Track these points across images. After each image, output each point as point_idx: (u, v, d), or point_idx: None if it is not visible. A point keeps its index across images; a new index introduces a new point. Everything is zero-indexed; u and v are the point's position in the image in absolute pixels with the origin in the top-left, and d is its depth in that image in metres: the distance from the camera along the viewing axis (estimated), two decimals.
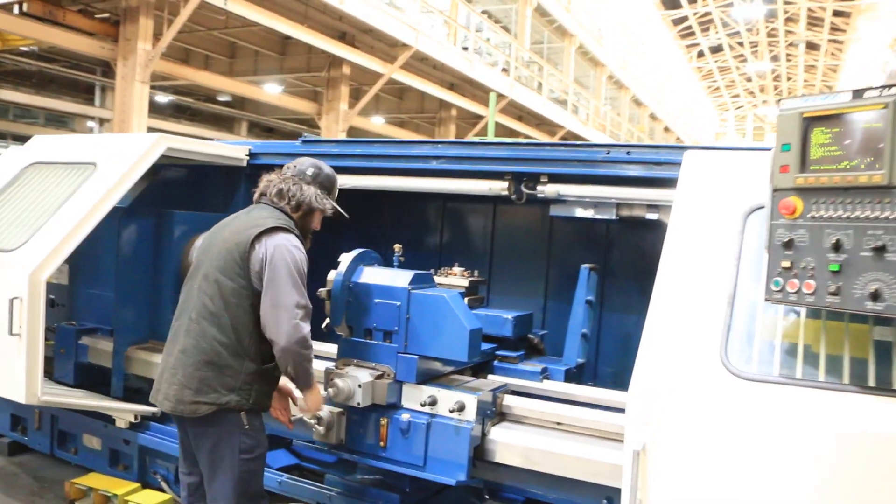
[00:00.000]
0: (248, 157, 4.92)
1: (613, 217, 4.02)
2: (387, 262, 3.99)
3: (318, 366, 4.03)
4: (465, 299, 4.40)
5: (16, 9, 11.82)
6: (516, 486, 3.62)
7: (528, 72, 24.04)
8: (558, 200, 4.15)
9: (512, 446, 3.44)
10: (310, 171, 3.41)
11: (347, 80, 17.74)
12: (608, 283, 4.85)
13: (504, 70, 21.68)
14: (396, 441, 3.50)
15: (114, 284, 4.60)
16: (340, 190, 4.73)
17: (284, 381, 3.49)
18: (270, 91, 19.02)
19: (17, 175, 4.65)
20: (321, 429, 3.51)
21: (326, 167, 3.51)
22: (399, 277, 3.65)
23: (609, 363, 4.91)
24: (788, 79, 44.80)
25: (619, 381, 4.21)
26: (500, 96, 20.80)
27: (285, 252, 3.07)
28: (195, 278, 3.21)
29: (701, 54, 42.14)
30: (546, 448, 3.35)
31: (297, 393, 3.42)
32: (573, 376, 4.23)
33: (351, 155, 4.63)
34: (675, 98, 42.02)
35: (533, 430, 3.55)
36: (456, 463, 3.38)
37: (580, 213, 4.12)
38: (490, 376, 4.10)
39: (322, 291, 3.72)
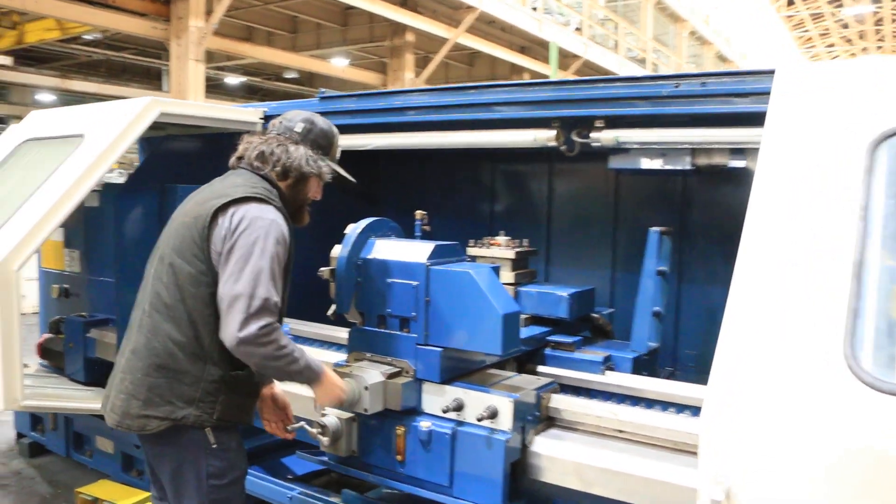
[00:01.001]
0: (263, 121, 4.32)
1: (687, 167, 3.20)
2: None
3: (331, 358, 3.46)
4: (512, 274, 3.72)
5: None
6: None
7: (603, 31, 22.77)
8: (618, 150, 3.34)
9: (559, 461, 2.72)
10: (299, 128, 2.69)
11: (412, 47, 17.13)
12: (687, 248, 4.05)
13: (577, 30, 20.53)
14: (416, 455, 2.83)
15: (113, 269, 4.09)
16: (372, 153, 4.10)
17: (279, 390, 2.88)
18: (336, 64, 18.53)
19: (9, 154, 4.20)
20: (325, 439, 2.88)
21: (321, 121, 2.78)
22: (416, 250, 2.97)
23: (691, 345, 4.13)
24: (893, 20, 41.35)
25: (703, 365, 3.42)
26: (574, 56, 19.82)
27: (254, 227, 2.40)
28: (153, 261, 2.62)
29: (791, 2, 39.38)
30: (601, 464, 2.62)
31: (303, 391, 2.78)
32: (644, 365, 3.47)
33: (374, 110, 3.95)
34: (763, 52, 39.47)
35: (588, 439, 2.82)
36: (489, 483, 2.69)
37: (646, 163, 3.31)
38: (540, 368, 3.39)
39: (324, 271, 3.07)
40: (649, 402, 3.02)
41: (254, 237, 2.37)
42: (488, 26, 17.71)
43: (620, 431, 2.79)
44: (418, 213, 3.36)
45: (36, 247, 3.35)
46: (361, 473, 2.98)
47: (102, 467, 4.33)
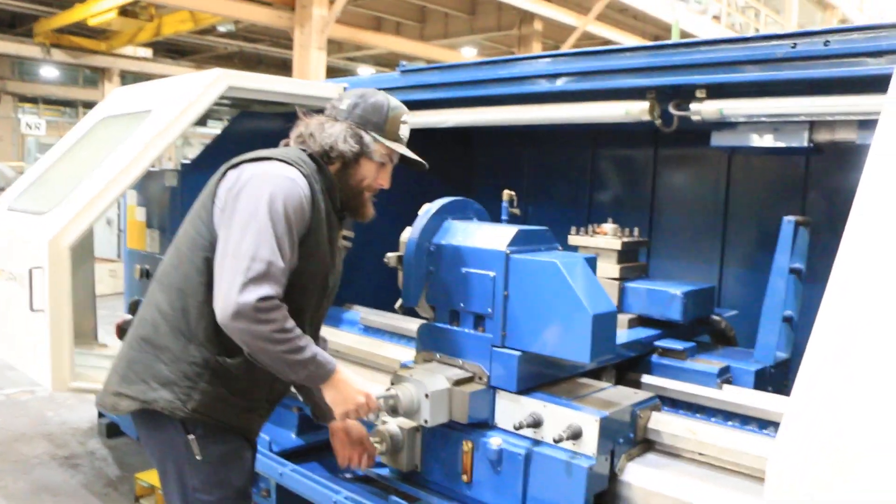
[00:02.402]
0: None
1: (804, 144, 2.64)
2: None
3: (400, 355, 3.07)
4: (618, 267, 3.21)
5: None
6: None
7: (743, 19, 21.35)
8: (723, 124, 2.81)
9: (653, 494, 2.20)
10: (344, 104, 2.26)
11: (540, 36, 16.68)
12: (811, 242, 3.43)
13: (715, 17, 19.34)
14: (485, 475, 2.39)
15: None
16: (466, 135, 3.68)
17: (351, 420, 2.46)
18: (464, 54, 18.33)
19: (87, 131, 4.10)
20: (381, 448, 2.49)
21: (376, 96, 2.29)
22: (495, 236, 2.51)
23: None
24: None
25: None
26: None
27: (262, 183, 2.01)
28: None
29: None
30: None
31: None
32: (770, 379, 2.88)
33: (455, 83, 3.54)
34: None
35: (693, 468, 2.28)
36: None
37: (756, 140, 2.75)
38: (644, 377, 2.86)
39: (391, 257, 2.67)
40: (768, 424, 2.45)
41: (261, 193, 1.99)
42: (620, 14, 17.03)
43: (719, 459, 2.24)
44: (506, 194, 2.92)
45: (87, 225, 3.19)
46: (422, 493, 2.56)
47: None
